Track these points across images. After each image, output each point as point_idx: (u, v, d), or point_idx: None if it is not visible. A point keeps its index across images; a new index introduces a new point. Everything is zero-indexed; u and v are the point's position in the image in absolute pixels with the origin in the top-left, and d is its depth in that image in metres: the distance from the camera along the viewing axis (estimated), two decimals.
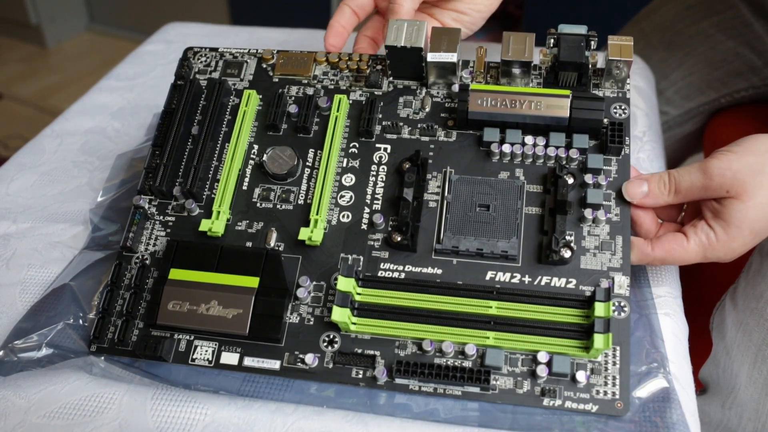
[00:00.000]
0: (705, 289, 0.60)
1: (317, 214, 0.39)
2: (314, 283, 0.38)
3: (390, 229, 0.39)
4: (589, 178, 0.39)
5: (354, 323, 0.36)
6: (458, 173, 0.40)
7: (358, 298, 0.37)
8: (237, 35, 0.73)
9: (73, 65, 1.83)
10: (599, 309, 0.35)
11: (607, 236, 0.38)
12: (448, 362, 0.36)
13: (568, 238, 0.38)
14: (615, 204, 0.39)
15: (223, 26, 0.75)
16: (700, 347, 0.47)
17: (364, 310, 0.37)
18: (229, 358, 0.37)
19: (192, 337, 0.38)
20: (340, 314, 0.35)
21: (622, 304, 0.36)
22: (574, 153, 0.39)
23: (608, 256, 0.37)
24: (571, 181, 0.38)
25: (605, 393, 0.35)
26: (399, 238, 0.38)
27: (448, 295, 0.37)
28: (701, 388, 0.54)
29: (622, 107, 0.41)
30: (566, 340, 0.35)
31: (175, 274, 0.38)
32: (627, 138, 0.40)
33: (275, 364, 0.37)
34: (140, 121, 0.58)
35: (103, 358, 0.38)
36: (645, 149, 0.53)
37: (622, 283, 0.37)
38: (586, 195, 0.38)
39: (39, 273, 0.44)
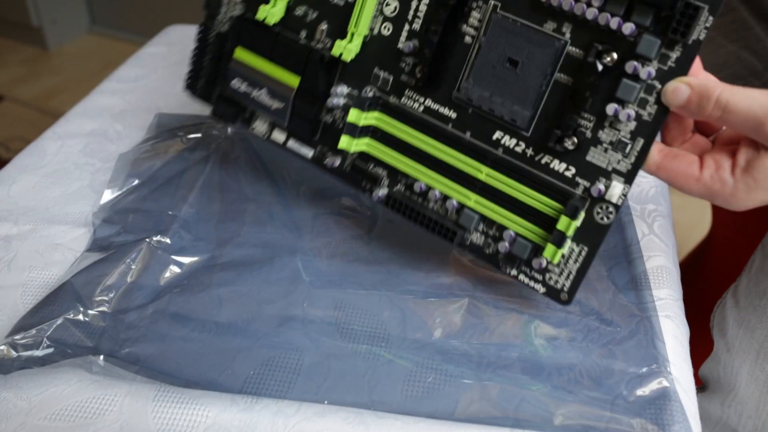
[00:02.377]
0: (706, 291, 0.61)
1: (355, 26, 0.38)
2: (349, 90, 0.40)
3: (419, 59, 0.38)
4: (630, 67, 0.32)
5: (367, 144, 0.40)
6: (503, 8, 0.35)
7: (375, 122, 0.39)
8: None
9: (74, 67, 1.83)
10: (563, 223, 0.35)
11: (629, 135, 0.34)
12: (434, 207, 0.38)
13: (583, 122, 0.34)
14: (654, 101, 0.33)
15: None
16: (700, 349, 0.47)
17: (379, 135, 0.39)
18: (278, 136, 0.43)
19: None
20: (346, 142, 0.39)
21: (609, 209, 0.35)
22: (627, 28, 0.32)
23: (619, 156, 0.34)
24: (610, 59, 0.33)
25: (556, 282, 0.36)
26: (418, 76, 0.38)
27: (450, 147, 0.38)
28: (700, 386, 0.54)
29: None
30: (538, 228, 0.36)
31: (240, 53, 0.41)
32: (708, 18, 0.31)
33: (309, 153, 0.42)
34: (142, 123, 0.59)
35: (102, 357, 0.38)
36: None
37: (616, 192, 0.34)
38: (618, 86, 0.33)
39: (41, 275, 0.44)
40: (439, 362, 0.37)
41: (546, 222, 0.36)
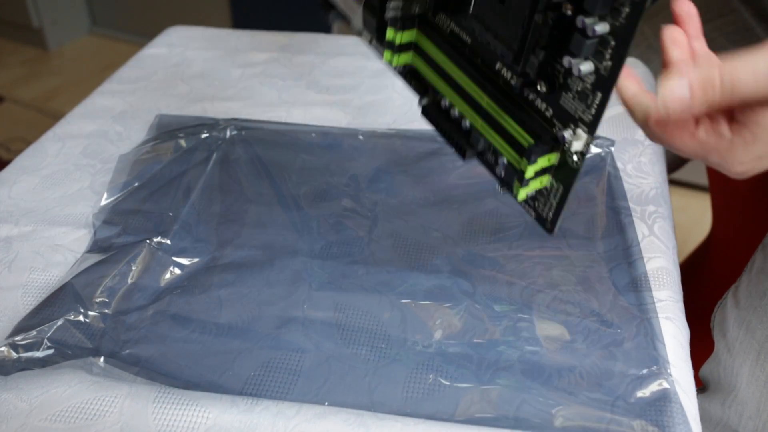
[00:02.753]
0: (706, 291, 0.61)
1: None
2: (402, 3, 0.42)
3: None
4: (579, 21, 0.31)
5: (412, 57, 0.43)
6: None
7: (415, 39, 0.42)
8: (239, 39, 0.73)
9: (74, 68, 1.83)
10: (522, 163, 0.36)
11: (590, 87, 0.33)
12: (454, 123, 0.41)
13: (558, 66, 0.34)
14: (609, 56, 0.32)
15: (225, 30, 0.76)
16: (701, 350, 0.47)
17: (419, 51, 0.42)
18: (367, 35, 0.45)
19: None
20: (388, 56, 0.42)
21: (575, 155, 0.35)
22: None
23: (583, 106, 0.34)
24: (568, 10, 0.32)
25: (542, 211, 0.38)
26: None
27: (463, 71, 0.40)
28: (700, 387, 0.54)
29: None
30: (522, 160, 0.37)
31: None
32: None
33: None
34: (142, 125, 0.59)
35: (102, 358, 0.38)
36: (647, 153, 0.53)
37: (580, 140, 0.34)
38: (570, 40, 0.32)
39: (41, 276, 0.44)
40: (440, 364, 0.37)
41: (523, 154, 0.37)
